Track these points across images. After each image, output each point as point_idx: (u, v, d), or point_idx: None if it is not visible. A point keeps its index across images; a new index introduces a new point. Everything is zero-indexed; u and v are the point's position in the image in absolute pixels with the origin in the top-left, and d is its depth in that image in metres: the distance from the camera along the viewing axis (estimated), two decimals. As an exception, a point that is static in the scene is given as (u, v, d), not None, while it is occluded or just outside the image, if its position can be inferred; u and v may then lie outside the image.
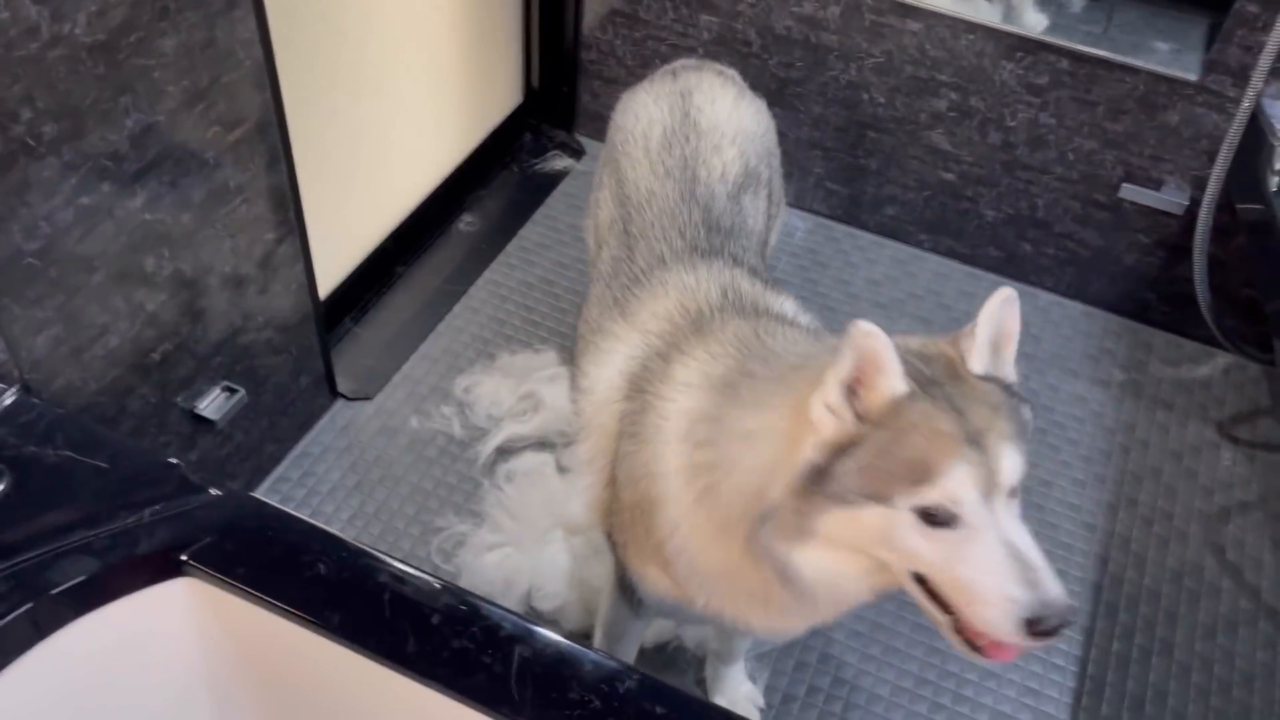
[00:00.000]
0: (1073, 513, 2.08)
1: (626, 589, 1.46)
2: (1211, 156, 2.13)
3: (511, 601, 1.79)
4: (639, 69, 2.57)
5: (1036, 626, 0.94)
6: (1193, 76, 2.06)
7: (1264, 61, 1.90)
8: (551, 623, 1.78)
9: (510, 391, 2.13)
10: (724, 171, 1.52)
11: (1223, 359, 2.38)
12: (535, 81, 2.70)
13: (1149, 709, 1.81)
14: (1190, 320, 2.39)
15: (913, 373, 1.00)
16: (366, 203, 2.24)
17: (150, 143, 1.41)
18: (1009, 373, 1.07)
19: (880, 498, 0.99)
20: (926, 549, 0.99)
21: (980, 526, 0.97)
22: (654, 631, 1.79)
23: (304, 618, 1.18)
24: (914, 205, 2.51)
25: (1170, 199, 2.21)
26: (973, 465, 0.97)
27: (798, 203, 2.62)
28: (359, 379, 2.16)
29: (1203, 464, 2.18)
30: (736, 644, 1.67)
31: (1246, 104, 1.93)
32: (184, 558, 1.21)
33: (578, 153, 2.73)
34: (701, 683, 1.77)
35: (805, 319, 1.37)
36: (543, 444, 2.06)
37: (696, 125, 1.57)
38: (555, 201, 2.61)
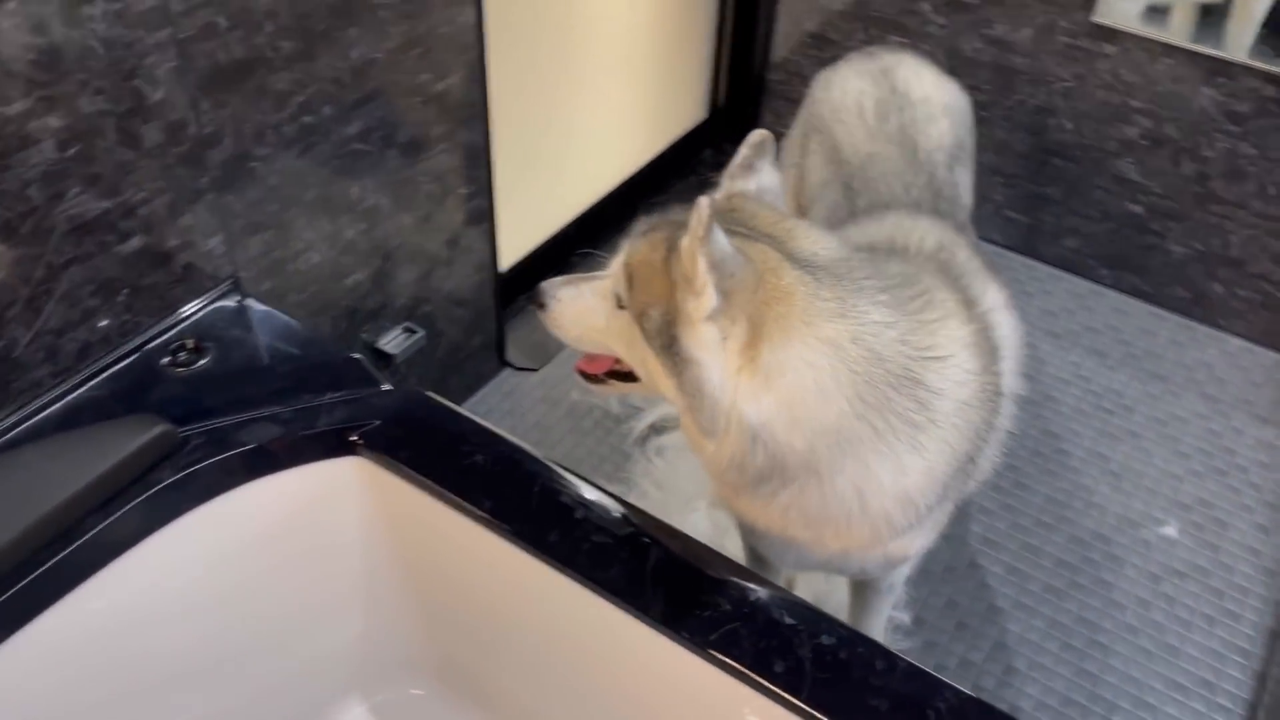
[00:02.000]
0: (1252, 556, 1.95)
1: (748, 546, 1.47)
2: None
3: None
4: (824, 90, 2.62)
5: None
6: None
7: None
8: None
9: (669, 375, 2.17)
10: (940, 141, 1.57)
11: None
12: (721, 99, 2.79)
13: (1325, 764, 1.66)
14: (1399, 377, 2.23)
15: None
16: (551, 187, 2.36)
17: (370, 77, 1.54)
18: (685, 306, 1.07)
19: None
20: None
21: None
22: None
23: (458, 502, 1.24)
24: (1096, 237, 2.45)
25: (1382, 239, 2.08)
26: None
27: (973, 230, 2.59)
28: (528, 352, 2.25)
29: (1405, 524, 2.01)
30: (868, 599, 1.59)
31: None
32: (355, 438, 1.30)
33: (756, 170, 2.78)
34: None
35: (1003, 317, 1.32)
36: (696, 427, 2.09)
37: (908, 96, 1.62)
38: (730, 212, 2.67)
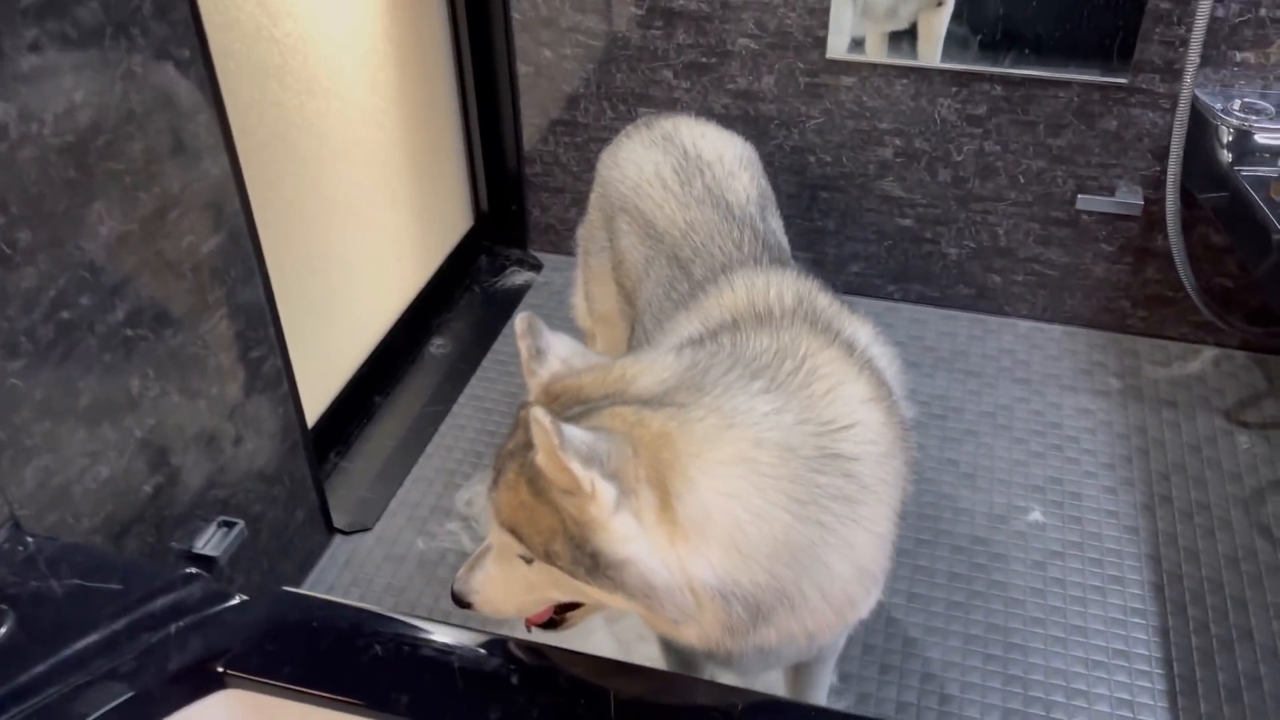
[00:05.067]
0: (1111, 519, 2.02)
1: (667, 651, 1.39)
2: (1155, 154, 2.20)
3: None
4: (585, 173, 2.60)
5: (452, 591, 1.18)
6: (1123, 80, 2.13)
7: (1192, 55, 1.97)
8: None
9: (515, 497, 2.03)
10: (748, 193, 1.55)
11: (1209, 352, 2.40)
12: (484, 203, 2.70)
13: (1248, 696, 1.71)
14: (1168, 321, 2.42)
15: None
16: (338, 331, 2.18)
17: (127, 252, 1.34)
18: (585, 513, 0.98)
19: None
20: None
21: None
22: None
23: (364, 706, 1.05)
24: (877, 258, 2.53)
25: (1126, 200, 2.26)
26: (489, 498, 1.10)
27: (763, 277, 2.62)
28: (354, 511, 2.05)
29: (1222, 452, 2.16)
30: (811, 669, 1.52)
31: (1185, 95, 2.00)
32: (220, 668, 1.08)
33: (535, 266, 2.71)
34: None
35: (880, 349, 1.28)
36: (560, 542, 1.95)
37: (701, 156, 1.59)
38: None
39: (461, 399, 2.33)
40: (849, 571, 1.06)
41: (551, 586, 1.09)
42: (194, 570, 1.19)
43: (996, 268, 2.46)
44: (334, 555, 1.97)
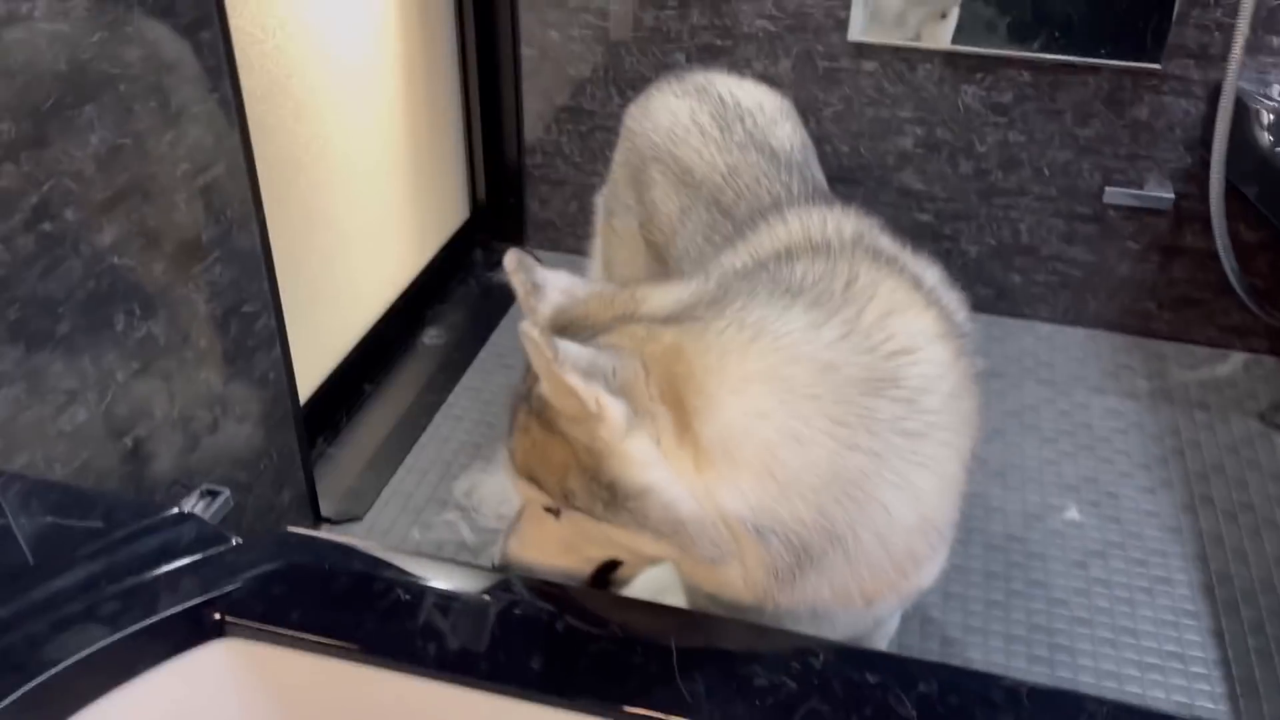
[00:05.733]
0: (1152, 519, 1.91)
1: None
2: (1187, 144, 2.13)
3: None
4: (588, 164, 2.49)
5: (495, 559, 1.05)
6: (1156, 65, 2.07)
7: (1239, 35, 1.90)
8: None
9: (518, 487, 1.89)
10: (792, 140, 1.46)
11: (1238, 356, 2.31)
12: (481, 195, 2.58)
13: (1313, 699, 1.60)
14: (1195, 323, 2.33)
15: None
16: (329, 311, 2.04)
17: (118, 168, 1.20)
18: (596, 438, 0.86)
19: None
20: None
21: None
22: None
23: (386, 657, 0.90)
24: (894, 256, 2.43)
25: (1155, 194, 2.18)
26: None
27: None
28: (344, 500, 1.89)
29: (1261, 454, 2.06)
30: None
31: (1231, 78, 1.92)
32: (218, 615, 0.93)
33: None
34: None
35: (947, 293, 1.13)
36: (569, 533, 1.81)
37: (740, 104, 1.50)
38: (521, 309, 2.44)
39: (457, 390, 2.18)
40: (910, 518, 0.93)
41: (584, 540, 0.97)
42: (186, 510, 1.04)
43: (1018, 266, 2.37)
44: (322, 544, 1.81)
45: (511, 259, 0.97)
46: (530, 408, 0.92)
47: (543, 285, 0.97)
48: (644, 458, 0.85)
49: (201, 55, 1.32)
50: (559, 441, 0.89)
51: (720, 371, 0.86)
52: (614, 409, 0.83)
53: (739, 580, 0.93)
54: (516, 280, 0.97)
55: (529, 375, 0.93)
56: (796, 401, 0.87)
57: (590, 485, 0.89)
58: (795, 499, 0.87)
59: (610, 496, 0.88)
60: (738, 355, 0.87)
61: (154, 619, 0.91)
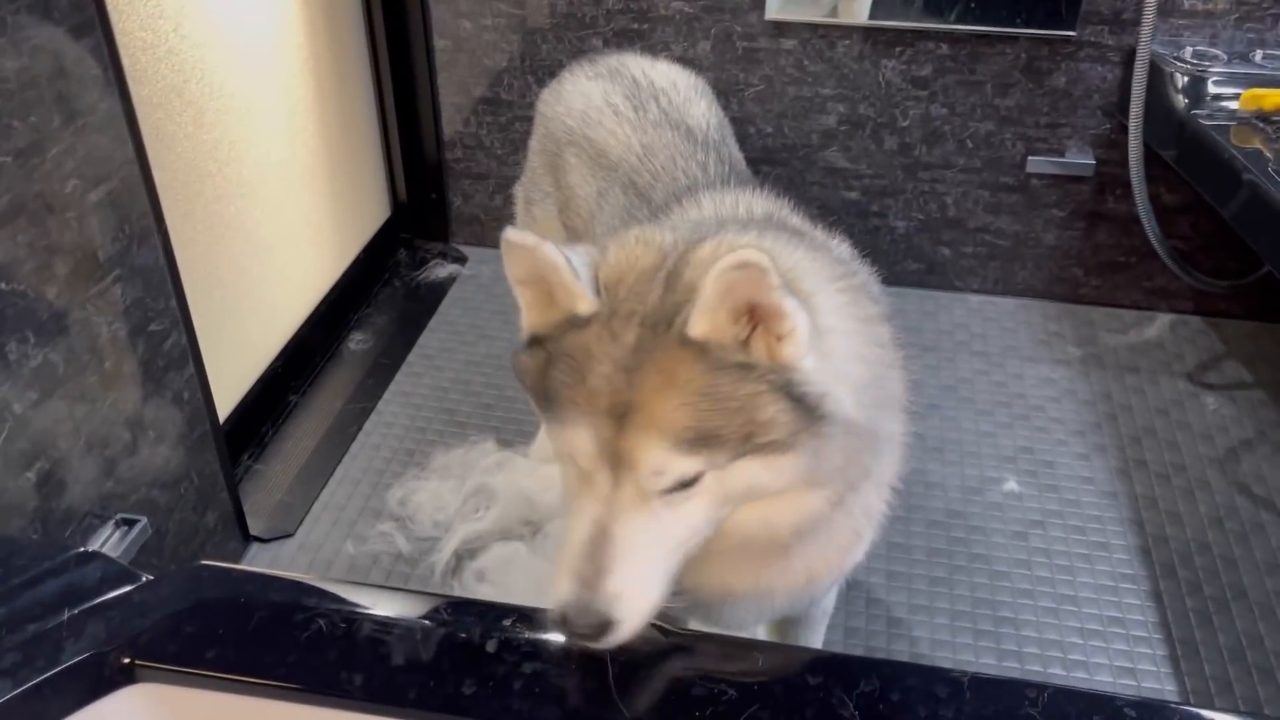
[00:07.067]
0: (1088, 485, 1.93)
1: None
2: (1105, 110, 2.15)
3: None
4: (510, 156, 2.44)
5: (564, 625, 0.84)
6: (1071, 33, 2.07)
7: (1151, 1, 1.90)
8: None
9: (454, 492, 1.85)
10: (708, 119, 1.44)
11: (1164, 318, 2.34)
12: (402, 193, 2.52)
13: (1251, 656, 1.62)
14: (1121, 287, 2.36)
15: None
16: (247, 323, 1.97)
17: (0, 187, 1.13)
18: (783, 356, 0.83)
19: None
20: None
21: (584, 496, 0.85)
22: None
23: (308, 691, 0.86)
24: (823, 235, 2.42)
25: (1077, 161, 2.19)
26: (593, 430, 0.83)
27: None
28: (273, 516, 1.83)
29: (1190, 415, 2.09)
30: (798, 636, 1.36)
31: (1144, 40, 1.93)
32: (128, 658, 0.88)
33: (459, 259, 2.53)
34: None
35: (859, 266, 1.13)
36: (506, 536, 1.77)
37: (654, 84, 1.48)
38: (450, 307, 2.39)
39: (386, 395, 2.13)
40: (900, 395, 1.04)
41: (717, 505, 0.86)
42: (89, 549, 0.98)
43: (946, 240, 2.37)
44: (252, 564, 1.75)
45: (530, 250, 0.85)
46: (673, 355, 0.82)
47: (572, 259, 0.86)
48: (815, 362, 0.85)
49: (86, 64, 1.25)
50: (733, 374, 0.82)
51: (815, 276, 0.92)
52: (802, 320, 0.82)
53: (809, 509, 0.91)
54: (559, 262, 0.85)
55: (623, 332, 0.83)
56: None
57: (792, 405, 0.83)
58: (860, 397, 0.90)
59: (808, 412, 0.84)
60: (814, 268, 0.95)
61: (58, 669, 0.86)
